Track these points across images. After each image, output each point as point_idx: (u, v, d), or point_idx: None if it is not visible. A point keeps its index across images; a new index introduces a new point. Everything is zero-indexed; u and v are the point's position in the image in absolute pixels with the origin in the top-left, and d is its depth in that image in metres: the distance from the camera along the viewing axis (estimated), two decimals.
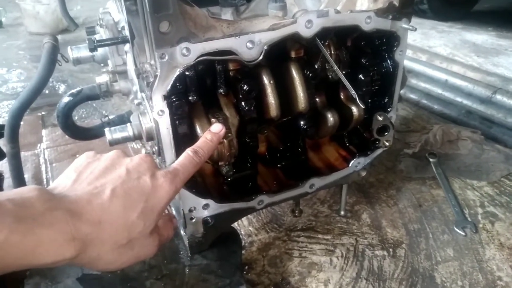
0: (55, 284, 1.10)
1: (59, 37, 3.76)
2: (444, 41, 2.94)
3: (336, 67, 1.01)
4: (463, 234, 1.39)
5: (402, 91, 2.01)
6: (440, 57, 2.58)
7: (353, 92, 1.00)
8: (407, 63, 2.51)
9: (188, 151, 0.83)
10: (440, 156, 1.76)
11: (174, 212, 1.20)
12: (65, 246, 0.60)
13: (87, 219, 0.63)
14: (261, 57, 0.92)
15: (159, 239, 0.77)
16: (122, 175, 0.70)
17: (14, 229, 0.55)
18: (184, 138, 0.95)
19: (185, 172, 0.79)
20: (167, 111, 0.89)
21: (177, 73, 0.86)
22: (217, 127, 0.91)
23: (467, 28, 3.28)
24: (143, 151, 1.93)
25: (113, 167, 0.72)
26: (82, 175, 0.70)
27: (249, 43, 0.89)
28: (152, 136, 0.99)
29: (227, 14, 1.28)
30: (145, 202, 0.70)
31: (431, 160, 1.73)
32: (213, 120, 0.98)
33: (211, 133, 0.90)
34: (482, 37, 3.04)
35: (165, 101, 0.88)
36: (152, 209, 0.71)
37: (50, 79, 2.79)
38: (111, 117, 1.57)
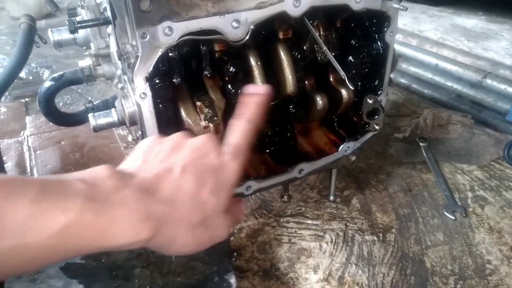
0: (37, 273, 1.07)
1: (43, 21, 3.69)
2: (434, 25, 2.91)
3: (325, 48, 0.98)
4: (453, 218, 1.39)
5: (392, 75, 1.99)
6: (430, 42, 2.56)
7: (342, 73, 0.97)
8: (397, 47, 2.49)
9: (239, 121, 0.75)
10: (430, 140, 1.75)
11: None
12: (140, 225, 0.57)
13: (161, 197, 0.60)
14: (247, 37, 0.88)
15: (231, 219, 0.73)
16: (188, 154, 0.67)
17: (85, 208, 0.52)
18: (168, 122, 0.92)
19: (245, 144, 0.73)
20: (149, 93, 0.86)
21: (160, 53, 0.82)
22: (262, 88, 0.80)
23: (457, 13, 3.26)
24: (130, 137, 1.90)
25: (178, 147, 0.69)
26: (149, 155, 0.67)
27: (235, 22, 0.86)
28: (135, 121, 0.96)
29: None
30: (215, 178, 0.67)
31: (421, 144, 1.72)
32: (198, 103, 0.95)
33: (257, 95, 0.79)
34: (472, 21, 3.02)
35: (148, 83, 0.84)
36: (223, 185, 0.68)
37: (34, 65, 2.75)
38: (95, 102, 1.53)
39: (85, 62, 1.36)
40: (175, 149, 0.69)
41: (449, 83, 2.23)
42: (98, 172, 0.58)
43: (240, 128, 0.74)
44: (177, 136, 0.72)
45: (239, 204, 0.79)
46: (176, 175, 0.64)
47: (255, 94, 0.80)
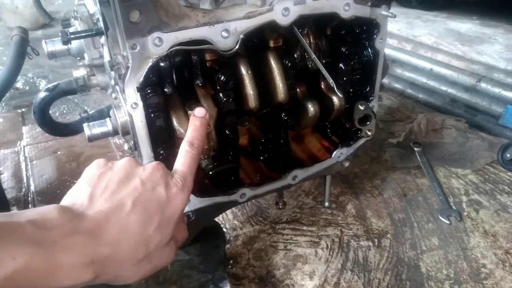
0: None
1: (40, 32, 3.71)
2: (428, 30, 2.93)
3: (314, 56, 0.99)
4: (448, 222, 1.39)
5: (386, 81, 1.99)
6: (424, 46, 2.57)
7: (331, 80, 0.98)
8: (392, 52, 2.50)
9: (185, 147, 0.82)
10: (424, 145, 1.75)
11: None
12: (84, 269, 0.60)
13: (106, 240, 0.63)
14: (237, 47, 0.89)
15: (176, 245, 0.77)
16: (138, 187, 0.70)
17: (34, 254, 0.55)
18: (160, 132, 0.93)
19: (192, 172, 0.79)
20: (141, 103, 0.86)
21: (150, 64, 0.83)
22: (200, 111, 0.88)
23: (451, 17, 3.28)
24: (126, 146, 1.90)
25: (127, 178, 0.71)
26: (97, 189, 0.69)
27: (224, 32, 0.87)
28: (127, 130, 0.96)
29: (205, 4, 1.25)
30: (161, 214, 0.70)
31: (415, 149, 1.72)
32: (190, 112, 0.95)
33: (198, 118, 0.87)
34: (466, 25, 3.04)
35: (138, 94, 0.85)
36: (168, 220, 0.71)
37: (30, 75, 2.77)
38: (90, 112, 1.53)
39: (79, 72, 1.37)
40: (124, 181, 0.70)
41: (444, 88, 2.25)
42: (48, 213, 0.60)
43: (185, 155, 0.80)
44: (125, 163, 0.74)
45: (182, 224, 0.82)
46: (123, 215, 0.66)
47: (196, 117, 0.87)
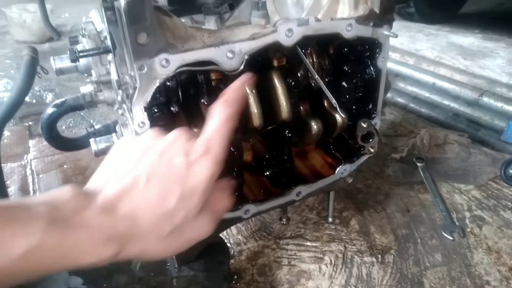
0: None
1: (47, 45, 3.77)
2: (431, 44, 2.96)
3: (316, 76, 1.01)
4: (451, 238, 1.39)
5: (389, 95, 2.00)
6: (427, 60, 2.59)
7: (333, 101, 0.99)
8: (394, 66, 2.52)
9: (217, 106, 0.70)
10: (427, 160, 1.76)
11: None
12: (102, 246, 0.57)
13: (123, 215, 0.60)
14: (242, 67, 0.91)
15: (213, 215, 0.69)
16: (155, 160, 0.65)
17: (48, 232, 0.53)
18: None
19: (221, 134, 0.68)
20: (147, 122, 0.88)
21: (157, 84, 0.85)
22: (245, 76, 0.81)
23: (454, 31, 3.31)
24: None
25: (146, 152, 0.66)
26: (117, 165, 0.67)
27: (229, 53, 0.89)
28: None
29: (210, 22, 1.27)
30: (182, 185, 0.63)
31: (418, 164, 1.73)
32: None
33: (239, 81, 0.79)
34: (468, 39, 3.07)
35: (146, 113, 0.87)
36: (192, 190, 0.64)
37: (37, 88, 2.80)
38: (96, 127, 1.55)
39: (87, 89, 1.40)
40: (142, 155, 0.66)
41: (446, 102, 2.26)
42: (62, 193, 0.59)
43: (213, 116, 0.70)
44: (147, 137, 0.70)
45: (222, 192, 0.72)
46: (139, 189, 0.62)
47: (237, 81, 0.78)
